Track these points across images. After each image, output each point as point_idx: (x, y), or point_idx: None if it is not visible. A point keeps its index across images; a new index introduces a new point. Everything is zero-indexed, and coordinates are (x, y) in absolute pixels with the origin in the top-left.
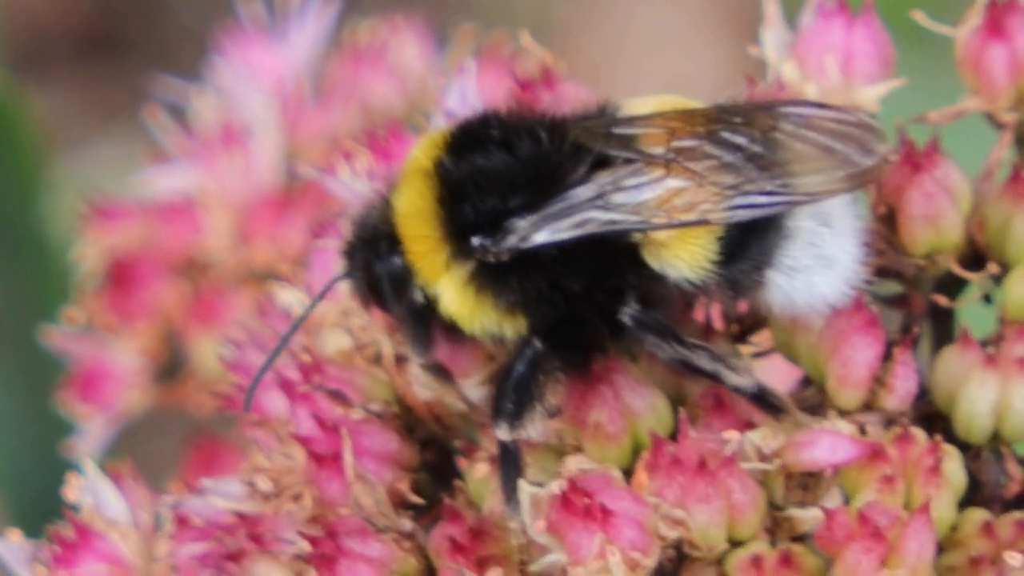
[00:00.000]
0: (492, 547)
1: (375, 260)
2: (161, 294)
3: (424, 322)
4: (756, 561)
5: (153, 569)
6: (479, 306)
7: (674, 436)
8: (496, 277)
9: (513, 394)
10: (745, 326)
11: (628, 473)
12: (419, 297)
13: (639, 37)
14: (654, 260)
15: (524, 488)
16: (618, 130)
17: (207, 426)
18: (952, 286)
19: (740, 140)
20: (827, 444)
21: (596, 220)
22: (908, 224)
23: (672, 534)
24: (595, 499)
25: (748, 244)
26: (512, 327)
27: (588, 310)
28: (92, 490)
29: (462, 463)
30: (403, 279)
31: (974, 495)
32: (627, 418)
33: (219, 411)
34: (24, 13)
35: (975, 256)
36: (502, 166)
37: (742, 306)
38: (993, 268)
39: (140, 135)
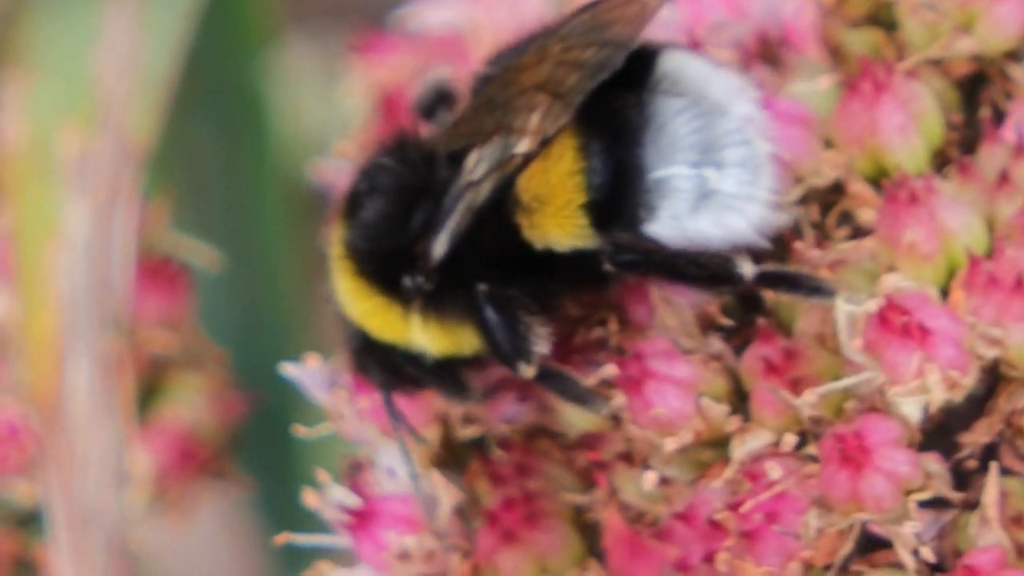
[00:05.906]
0: (805, 368)
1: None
2: None
3: (442, 372)
4: None
5: None
6: (450, 332)
7: (990, 255)
8: (444, 300)
9: (504, 338)
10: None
11: (943, 293)
12: (415, 359)
13: None
14: (539, 242)
15: (841, 307)
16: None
17: None
18: None
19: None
20: None
21: (469, 199)
22: None
23: (989, 353)
24: (913, 317)
25: (614, 203)
26: None
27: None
28: None
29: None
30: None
31: None
32: (942, 237)
33: None
34: None
35: None
36: (379, 212)
37: None
38: None
39: (312, 42)
